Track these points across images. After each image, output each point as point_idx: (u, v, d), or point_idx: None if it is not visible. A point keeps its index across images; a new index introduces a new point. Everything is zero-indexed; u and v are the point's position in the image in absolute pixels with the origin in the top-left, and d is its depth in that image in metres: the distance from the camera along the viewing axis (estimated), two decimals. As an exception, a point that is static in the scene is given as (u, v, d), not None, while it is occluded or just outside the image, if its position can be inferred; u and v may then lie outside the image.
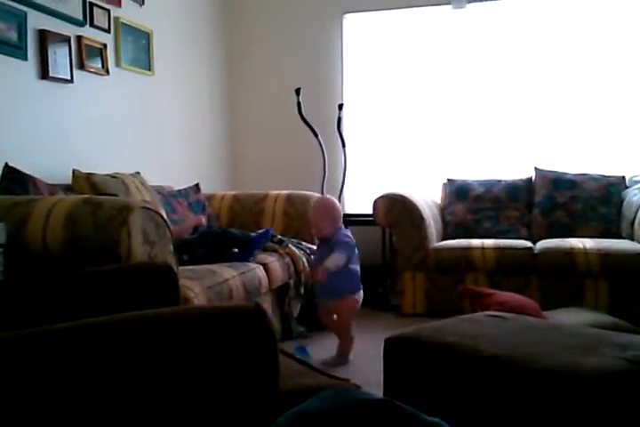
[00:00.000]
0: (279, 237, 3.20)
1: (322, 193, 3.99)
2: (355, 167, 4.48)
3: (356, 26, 4.50)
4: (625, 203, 3.68)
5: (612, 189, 3.78)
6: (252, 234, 3.00)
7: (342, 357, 2.61)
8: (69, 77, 2.96)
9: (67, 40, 2.93)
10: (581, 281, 3.25)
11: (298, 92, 4.23)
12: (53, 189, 2.41)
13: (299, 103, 4.21)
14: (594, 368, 1.33)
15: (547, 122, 4.19)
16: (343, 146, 4.35)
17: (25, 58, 2.70)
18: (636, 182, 3.75)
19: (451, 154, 4.37)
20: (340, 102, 4.40)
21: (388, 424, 0.65)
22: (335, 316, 2.70)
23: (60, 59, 2.89)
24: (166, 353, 0.85)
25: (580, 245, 3.27)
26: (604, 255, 3.18)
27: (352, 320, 2.70)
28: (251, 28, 4.70)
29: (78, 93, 3.06)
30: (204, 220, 3.07)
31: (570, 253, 3.25)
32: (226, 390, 0.87)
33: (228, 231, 2.96)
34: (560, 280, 3.29)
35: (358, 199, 4.45)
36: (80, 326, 0.88)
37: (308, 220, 2.87)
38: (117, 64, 3.35)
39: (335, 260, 2.56)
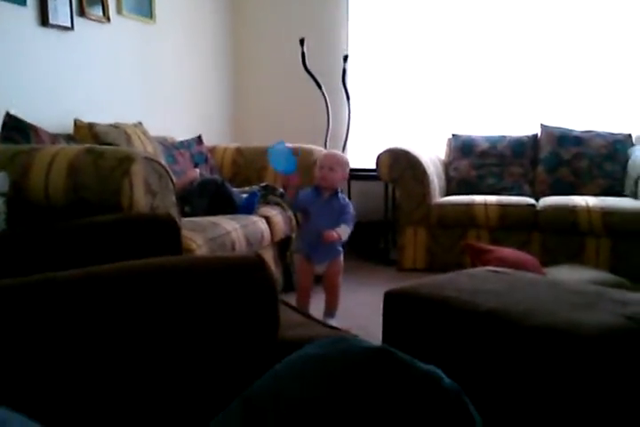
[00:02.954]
0: (281, 190, 3.19)
1: (325, 147, 3.96)
2: (359, 121, 4.43)
3: (363, -26, 4.37)
4: (630, 161, 3.66)
5: (618, 147, 3.75)
6: (243, 195, 2.96)
7: (330, 314, 2.59)
8: (70, 25, 2.89)
9: (66, -15, 2.86)
10: (583, 239, 3.26)
11: (302, 42, 4.13)
12: (55, 138, 2.39)
13: (303, 54, 4.13)
14: (593, 325, 1.33)
15: (553, 78, 4.11)
16: (348, 99, 4.30)
17: (24, 3, 2.63)
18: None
19: (456, 109, 4.31)
20: (345, 54, 4.32)
21: (384, 370, 0.66)
22: (326, 275, 2.61)
23: (60, 5, 2.82)
24: (169, 301, 0.86)
25: (583, 203, 3.26)
26: (607, 213, 3.18)
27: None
28: (255, -25, 4.57)
29: (79, 41, 2.99)
30: (197, 173, 3.02)
31: (572, 210, 3.25)
32: (227, 338, 0.88)
33: (226, 185, 2.90)
34: (562, 237, 3.30)
35: (362, 154, 4.41)
36: (85, 274, 0.88)
37: (315, 170, 2.50)
38: (119, 11, 3.27)
39: (347, 233, 2.45)
